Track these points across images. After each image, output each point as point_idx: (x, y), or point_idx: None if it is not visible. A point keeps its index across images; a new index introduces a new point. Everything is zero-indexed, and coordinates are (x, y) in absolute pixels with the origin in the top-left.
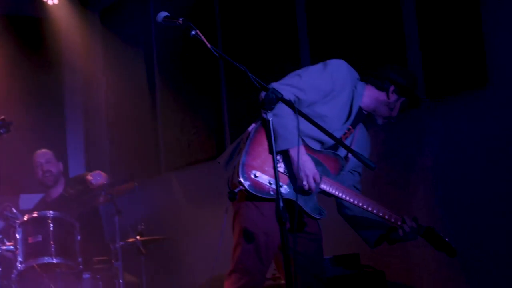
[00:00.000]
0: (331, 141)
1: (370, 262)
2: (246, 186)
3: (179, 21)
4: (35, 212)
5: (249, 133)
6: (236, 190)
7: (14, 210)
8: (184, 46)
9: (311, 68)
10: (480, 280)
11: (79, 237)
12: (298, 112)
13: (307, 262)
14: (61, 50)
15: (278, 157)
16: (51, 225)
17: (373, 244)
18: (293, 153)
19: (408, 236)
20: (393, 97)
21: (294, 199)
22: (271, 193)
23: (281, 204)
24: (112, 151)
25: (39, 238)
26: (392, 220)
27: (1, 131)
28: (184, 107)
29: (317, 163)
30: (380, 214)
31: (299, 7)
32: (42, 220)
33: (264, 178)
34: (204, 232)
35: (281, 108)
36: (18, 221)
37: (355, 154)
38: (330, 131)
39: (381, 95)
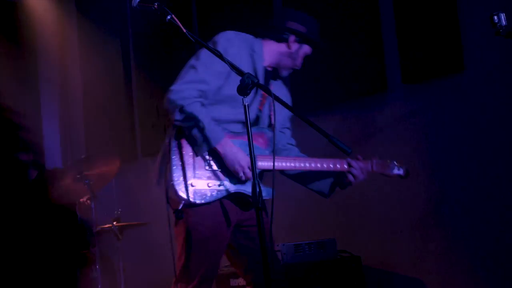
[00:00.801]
0: (252, 116)
1: (347, 247)
2: (190, 199)
3: (154, 6)
4: None
5: (168, 145)
6: (180, 208)
7: None
8: (160, 31)
9: (202, 54)
10: (457, 261)
11: None
12: (274, 97)
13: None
14: (36, 36)
15: (207, 157)
16: None
17: (327, 194)
18: (220, 148)
19: (359, 178)
20: (294, 46)
21: (242, 191)
22: (214, 194)
23: (257, 189)
24: (88, 137)
25: None
26: (338, 167)
27: None
28: (160, 92)
29: (244, 146)
30: (325, 167)
31: None
32: None
33: (200, 183)
34: None
35: (187, 114)
36: None
37: (330, 139)
38: (251, 108)
39: (282, 47)
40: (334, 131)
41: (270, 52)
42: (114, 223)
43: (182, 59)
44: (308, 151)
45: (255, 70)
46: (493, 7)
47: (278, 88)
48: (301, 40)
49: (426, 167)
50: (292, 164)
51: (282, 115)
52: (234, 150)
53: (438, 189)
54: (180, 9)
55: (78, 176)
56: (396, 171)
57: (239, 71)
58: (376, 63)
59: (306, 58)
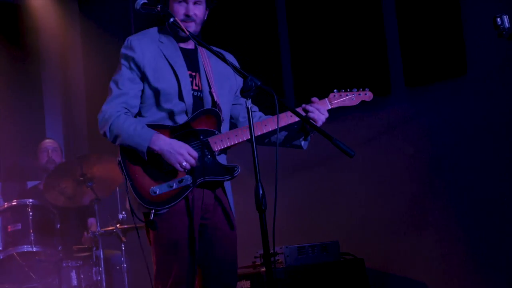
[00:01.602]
0: (188, 102)
1: (350, 249)
2: (156, 207)
3: (157, 8)
4: (15, 200)
5: (119, 164)
6: (152, 218)
7: None
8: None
9: (117, 70)
10: (460, 263)
11: (58, 225)
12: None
13: (216, 262)
14: (39, 37)
15: (158, 160)
16: (31, 213)
17: (302, 146)
18: (154, 146)
19: (320, 119)
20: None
21: (208, 179)
22: (179, 193)
23: (261, 191)
24: (92, 139)
25: (19, 226)
26: (296, 119)
27: None
28: None
29: (193, 135)
30: (283, 124)
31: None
32: (21, 208)
33: (162, 187)
34: None
35: (114, 132)
36: None
37: (333, 141)
38: (184, 92)
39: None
40: (337, 133)
41: (170, 29)
42: (118, 225)
43: None
44: (311, 154)
45: (169, 60)
46: (496, 10)
47: (218, 63)
48: None
49: (429, 169)
50: (248, 135)
51: (229, 86)
52: (168, 141)
53: (441, 191)
54: None
55: (81, 178)
56: (359, 97)
57: (242, 74)
58: (380, 67)
59: (309, 62)
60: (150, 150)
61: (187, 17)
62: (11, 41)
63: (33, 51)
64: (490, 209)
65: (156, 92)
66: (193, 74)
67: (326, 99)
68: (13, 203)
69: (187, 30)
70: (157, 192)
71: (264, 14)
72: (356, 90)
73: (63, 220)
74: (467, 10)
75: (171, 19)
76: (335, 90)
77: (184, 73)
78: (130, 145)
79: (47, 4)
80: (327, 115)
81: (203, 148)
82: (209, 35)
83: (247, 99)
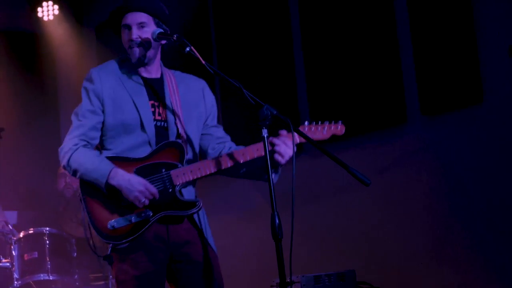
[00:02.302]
0: (150, 132)
1: (367, 278)
2: (114, 241)
3: (174, 38)
4: (31, 229)
5: (79, 196)
6: (109, 252)
7: (10, 227)
8: (179, 61)
9: (82, 101)
10: None
11: (75, 254)
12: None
13: None
14: (56, 65)
15: (117, 194)
16: (47, 241)
17: (276, 180)
18: (112, 181)
19: (286, 153)
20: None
21: (168, 213)
22: (139, 227)
23: (277, 221)
24: None
25: (35, 254)
26: (262, 152)
27: None
28: None
29: (155, 168)
30: (248, 158)
31: (294, 21)
32: (38, 236)
33: (121, 221)
34: None
35: (73, 166)
36: (14, 238)
37: (349, 170)
38: (146, 123)
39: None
40: (353, 162)
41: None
42: None
43: None
44: (328, 182)
45: (128, 91)
46: None
47: (187, 90)
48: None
49: (446, 198)
50: (213, 169)
51: (197, 115)
52: (126, 177)
53: (457, 220)
54: (199, 40)
55: None
56: (331, 131)
57: (258, 103)
58: (395, 94)
59: (324, 90)
60: (108, 185)
61: (131, 41)
62: (29, 68)
63: (50, 78)
64: (510, 239)
65: (117, 124)
66: (156, 103)
67: (295, 133)
68: (30, 232)
69: (203, 60)
70: (115, 226)
71: (280, 42)
72: (328, 123)
73: (80, 248)
74: (483, 38)
75: (187, 48)
76: (306, 123)
77: (144, 104)
78: (89, 179)
79: (65, 33)
80: (294, 149)
81: (165, 182)
82: (223, 63)
83: (263, 128)
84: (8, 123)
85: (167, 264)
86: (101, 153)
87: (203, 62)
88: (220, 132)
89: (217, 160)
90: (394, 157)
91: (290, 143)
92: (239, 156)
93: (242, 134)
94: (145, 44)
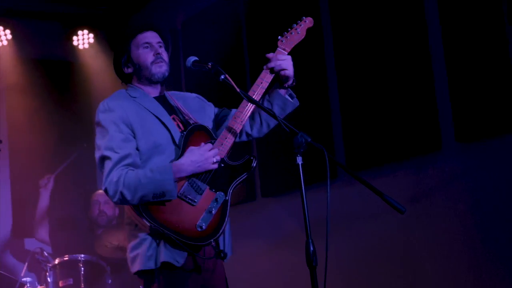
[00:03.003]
0: (176, 135)
1: None
2: (214, 238)
3: (209, 66)
4: (66, 256)
5: (141, 221)
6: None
7: (46, 253)
8: (213, 88)
9: (102, 134)
10: None
11: (110, 281)
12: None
13: None
14: (92, 94)
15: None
16: (82, 268)
17: (296, 100)
18: (180, 174)
19: (287, 66)
20: (129, 65)
21: (234, 184)
22: (222, 217)
23: (311, 247)
24: None
25: (70, 281)
26: (267, 81)
27: None
28: None
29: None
30: (260, 94)
31: (328, 48)
32: (73, 263)
33: (205, 218)
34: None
35: (125, 185)
36: (49, 265)
37: (384, 197)
38: (176, 138)
39: (133, 73)
40: (387, 189)
41: (137, 79)
42: None
43: None
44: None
45: (151, 111)
46: None
47: (186, 101)
48: (126, 44)
49: (480, 227)
50: (239, 124)
51: (208, 113)
52: (188, 161)
53: (496, 251)
54: (233, 69)
55: None
56: (303, 28)
57: (292, 131)
58: (430, 121)
59: (358, 116)
60: (176, 182)
61: (158, 55)
62: (65, 97)
63: (86, 106)
64: None
65: (150, 146)
66: (174, 117)
67: (278, 48)
68: (65, 258)
69: (237, 88)
70: (203, 226)
71: (314, 68)
72: (295, 25)
73: (114, 274)
74: None
75: (222, 76)
76: (279, 37)
77: (169, 120)
78: (154, 191)
79: (100, 61)
80: (288, 57)
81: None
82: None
83: (298, 156)
84: (44, 150)
85: None
86: None
87: (238, 90)
88: (224, 110)
89: (234, 118)
90: (428, 184)
91: (283, 57)
92: (255, 98)
93: (276, 163)
94: (167, 63)
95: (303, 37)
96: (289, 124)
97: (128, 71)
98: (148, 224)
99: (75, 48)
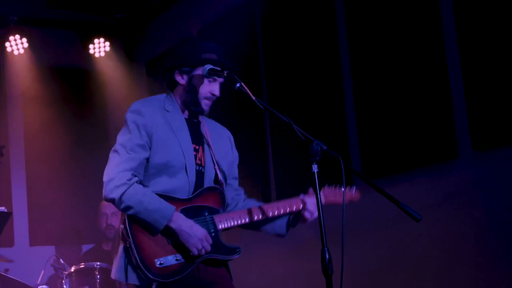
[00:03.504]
0: (191, 177)
1: None
2: (161, 279)
3: (224, 74)
4: (82, 263)
5: (125, 229)
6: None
7: (62, 261)
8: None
9: (119, 136)
10: None
11: None
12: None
13: None
14: (107, 102)
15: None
16: (98, 276)
17: (285, 234)
18: (173, 224)
19: (314, 214)
20: (185, 78)
21: (213, 256)
22: (184, 268)
23: (327, 256)
24: None
25: None
26: (294, 208)
27: None
28: None
29: (198, 210)
30: (282, 212)
31: (344, 57)
32: (89, 271)
33: (169, 259)
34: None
35: (127, 203)
36: (65, 272)
37: (400, 205)
38: (189, 167)
39: (182, 88)
40: (403, 197)
41: (180, 97)
42: None
43: (251, 124)
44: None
45: (175, 132)
46: None
47: (217, 137)
48: (189, 69)
49: (497, 235)
50: (249, 219)
51: (227, 164)
52: (189, 223)
53: (508, 257)
54: (249, 76)
55: None
56: (348, 196)
57: (308, 139)
58: (446, 129)
59: (374, 125)
60: (166, 227)
61: (213, 95)
62: (81, 104)
63: (102, 114)
64: None
65: (162, 164)
66: (197, 147)
67: (322, 192)
68: (81, 266)
69: (253, 96)
70: (163, 263)
71: (330, 77)
72: (343, 187)
73: None
74: None
75: (238, 84)
76: (326, 184)
77: (189, 147)
78: (145, 219)
79: (116, 69)
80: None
81: (209, 225)
82: (272, 99)
83: (313, 164)
84: (60, 158)
85: None
86: None
87: (253, 98)
88: (237, 183)
89: (250, 211)
90: (444, 193)
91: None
92: (269, 210)
93: (292, 171)
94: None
95: (341, 203)
96: (304, 132)
97: (179, 79)
98: (124, 237)
99: (91, 56)
